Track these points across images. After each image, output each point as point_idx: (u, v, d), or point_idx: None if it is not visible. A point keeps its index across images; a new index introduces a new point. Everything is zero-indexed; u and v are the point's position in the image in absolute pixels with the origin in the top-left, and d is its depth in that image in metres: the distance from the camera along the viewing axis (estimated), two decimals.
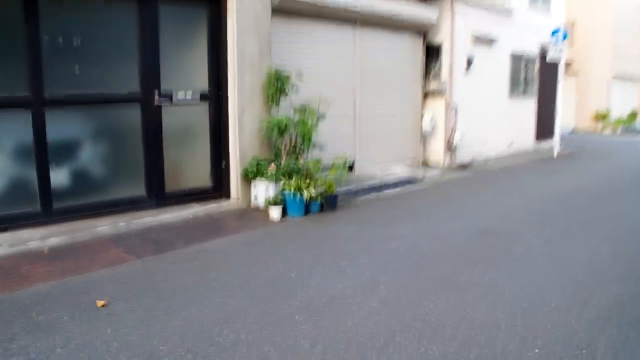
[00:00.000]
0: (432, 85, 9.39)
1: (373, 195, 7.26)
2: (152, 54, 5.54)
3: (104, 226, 5.10)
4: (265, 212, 5.93)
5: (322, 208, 6.20)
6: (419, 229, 5.47)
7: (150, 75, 5.56)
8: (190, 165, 6.10)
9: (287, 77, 6.25)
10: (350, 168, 8.36)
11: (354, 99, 8.24)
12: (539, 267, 4.34)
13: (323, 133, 7.36)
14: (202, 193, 6.13)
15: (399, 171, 8.75)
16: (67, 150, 5.17)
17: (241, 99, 6.09)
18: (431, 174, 8.92)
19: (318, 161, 6.37)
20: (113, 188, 5.49)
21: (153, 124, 5.63)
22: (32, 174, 4.95)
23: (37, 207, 5.00)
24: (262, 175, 6.01)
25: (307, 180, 6.00)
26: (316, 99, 6.58)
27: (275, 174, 5.98)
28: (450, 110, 9.48)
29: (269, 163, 6.10)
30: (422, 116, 9.41)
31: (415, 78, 9.30)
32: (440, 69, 9.37)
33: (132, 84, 5.48)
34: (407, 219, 5.90)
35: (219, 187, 6.24)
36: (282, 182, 6.00)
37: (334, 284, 3.91)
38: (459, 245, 4.94)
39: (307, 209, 6.08)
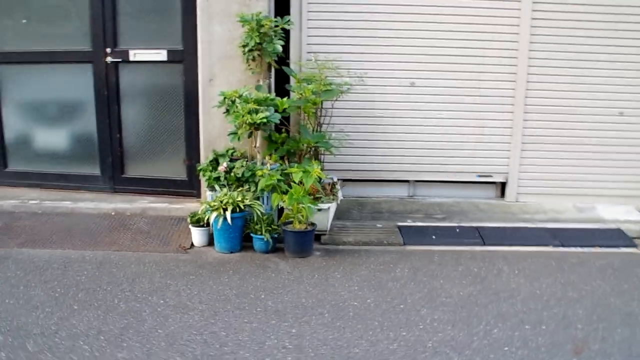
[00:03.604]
0: None
1: (478, 247, 3.95)
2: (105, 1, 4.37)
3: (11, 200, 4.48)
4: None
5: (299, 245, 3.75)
6: None
7: (104, 28, 4.40)
8: (160, 148, 4.65)
9: (272, 25, 3.88)
10: (502, 189, 4.85)
11: (516, 70, 4.59)
12: None
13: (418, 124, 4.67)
14: (171, 186, 4.63)
15: (612, 216, 4.51)
16: (20, 110, 4.71)
17: (207, 60, 4.18)
18: None
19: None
20: (66, 160, 4.73)
21: (105, 90, 4.51)
22: None
23: None
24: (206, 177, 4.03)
25: (238, 196, 3.67)
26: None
27: (209, 179, 3.91)
28: None
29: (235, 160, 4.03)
30: None
31: None
32: None
33: (82, 40, 4.47)
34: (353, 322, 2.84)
35: (194, 184, 4.56)
36: (212, 193, 3.89)
37: None
38: None
39: (249, 241, 3.80)
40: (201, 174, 4.06)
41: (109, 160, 4.63)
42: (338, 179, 4.52)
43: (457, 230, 4.21)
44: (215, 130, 4.24)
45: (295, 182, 3.59)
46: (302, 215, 3.69)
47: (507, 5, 4.49)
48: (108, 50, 4.42)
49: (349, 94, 4.37)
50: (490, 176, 4.75)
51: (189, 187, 4.59)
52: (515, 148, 4.69)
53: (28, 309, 2.85)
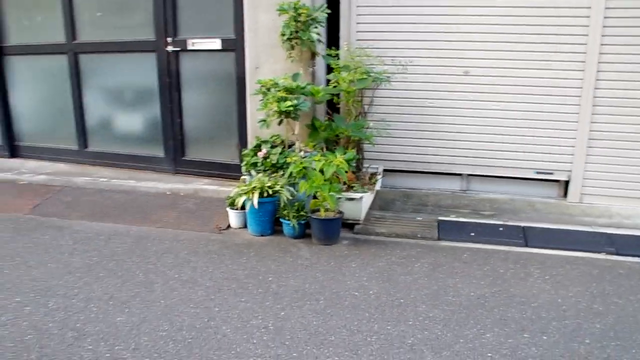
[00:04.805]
0: None
1: (517, 248, 3.72)
2: None
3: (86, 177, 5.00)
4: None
5: (327, 232, 3.80)
6: None
7: (165, 19, 4.72)
8: (216, 133, 4.91)
9: (306, 12, 3.90)
10: (565, 188, 4.46)
11: (585, 58, 4.16)
12: None
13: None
14: (225, 170, 4.88)
15: None
16: (97, 95, 5.22)
17: (254, 49, 4.33)
18: None
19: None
20: (135, 142, 5.18)
21: (167, 77, 4.84)
22: (71, 114, 5.34)
23: (75, 146, 5.42)
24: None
25: (269, 181, 3.80)
26: None
27: (247, 164, 4.07)
28: None
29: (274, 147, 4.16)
30: None
31: None
32: None
33: (147, 30, 4.82)
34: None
35: None
36: (249, 177, 4.05)
37: None
38: None
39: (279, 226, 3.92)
40: (243, 158, 4.23)
41: (171, 143, 4.98)
42: (382, 169, 4.46)
43: (501, 228, 3.96)
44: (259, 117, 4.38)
45: (315, 170, 3.62)
46: (329, 204, 3.71)
47: None
48: (169, 39, 4.74)
49: (397, 82, 4.29)
50: (551, 173, 4.38)
51: (240, 171, 4.78)
52: (581, 144, 4.26)
53: (63, 273, 3.21)
